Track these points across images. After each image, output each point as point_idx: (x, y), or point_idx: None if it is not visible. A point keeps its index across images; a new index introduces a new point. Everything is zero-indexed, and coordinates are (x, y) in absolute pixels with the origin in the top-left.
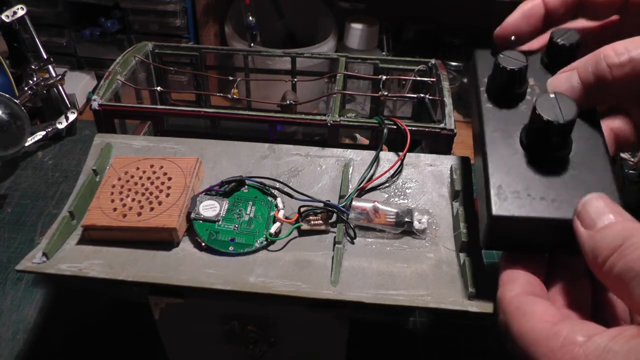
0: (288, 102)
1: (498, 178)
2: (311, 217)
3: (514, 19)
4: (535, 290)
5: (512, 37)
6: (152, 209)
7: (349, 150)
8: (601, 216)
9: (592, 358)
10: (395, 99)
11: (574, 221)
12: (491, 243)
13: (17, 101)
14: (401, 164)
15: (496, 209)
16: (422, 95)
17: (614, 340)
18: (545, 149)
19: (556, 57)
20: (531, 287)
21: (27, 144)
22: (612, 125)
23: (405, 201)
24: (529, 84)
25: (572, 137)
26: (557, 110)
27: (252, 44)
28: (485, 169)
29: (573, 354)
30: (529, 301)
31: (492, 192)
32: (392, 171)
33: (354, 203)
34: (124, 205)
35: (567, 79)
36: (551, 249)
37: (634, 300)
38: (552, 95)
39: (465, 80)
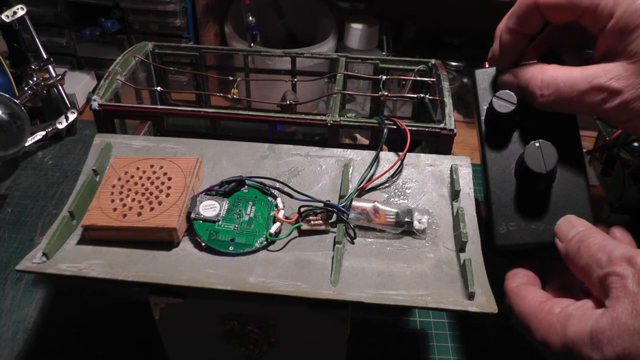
0: (288, 102)
1: (499, 212)
2: (311, 217)
3: (497, 47)
4: (529, 281)
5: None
6: (152, 209)
7: (349, 150)
8: (570, 231)
9: (561, 321)
10: (395, 99)
11: (555, 237)
12: (496, 254)
13: (17, 101)
14: (401, 164)
15: (498, 241)
16: (422, 95)
17: (575, 309)
18: (533, 186)
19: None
20: (527, 279)
21: (27, 144)
22: None
23: (405, 201)
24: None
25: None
26: (541, 160)
27: (252, 44)
28: (488, 199)
29: (551, 320)
30: (524, 288)
31: (495, 225)
32: (392, 171)
33: (354, 203)
34: (124, 205)
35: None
36: (540, 253)
37: (592, 282)
38: (537, 144)
39: (465, 80)
